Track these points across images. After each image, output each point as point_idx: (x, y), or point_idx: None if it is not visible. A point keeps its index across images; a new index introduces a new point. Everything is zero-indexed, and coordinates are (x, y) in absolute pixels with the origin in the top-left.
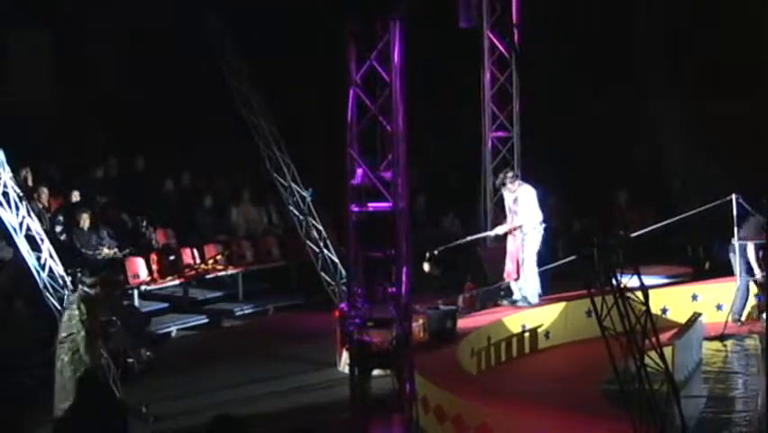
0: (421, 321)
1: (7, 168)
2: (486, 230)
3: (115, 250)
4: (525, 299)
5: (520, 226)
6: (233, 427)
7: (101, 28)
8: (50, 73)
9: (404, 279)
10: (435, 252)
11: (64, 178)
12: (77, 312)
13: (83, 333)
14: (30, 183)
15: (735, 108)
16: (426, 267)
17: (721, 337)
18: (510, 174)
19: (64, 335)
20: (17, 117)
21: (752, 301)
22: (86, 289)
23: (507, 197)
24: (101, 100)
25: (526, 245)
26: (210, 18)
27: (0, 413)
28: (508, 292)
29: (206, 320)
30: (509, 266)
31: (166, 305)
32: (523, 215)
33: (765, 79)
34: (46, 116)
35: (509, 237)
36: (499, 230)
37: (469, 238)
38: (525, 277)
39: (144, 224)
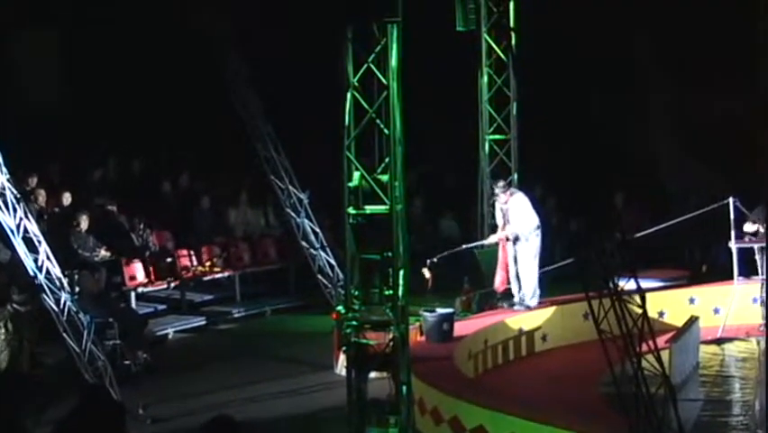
0: (418, 324)
1: (5, 169)
2: (483, 232)
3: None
4: (522, 302)
5: (515, 236)
6: (228, 428)
7: (103, 31)
8: (54, 75)
9: (401, 281)
10: (435, 259)
11: (62, 179)
12: (3, 331)
13: (6, 352)
14: (34, 186)
15: (730, 108)
16: (427, 273)
17: (718, 341)
18: (501, 184)
19: None
20: (20, 119)
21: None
22: (14, 305)
23: (500, 206)
24: (101, 102)
25: (524, 252)
26: (210, 23)
27: None
28: (506, 295)
29: (204, 322)
30: (501, 275)
31: (163, 307)
32: (516, 224)
33: (758, 78)
34: (48, 118)
35: (500, 248)
36: (492, 239)
37: (465, 247)
38: (523, 281)
39: (141, 226)
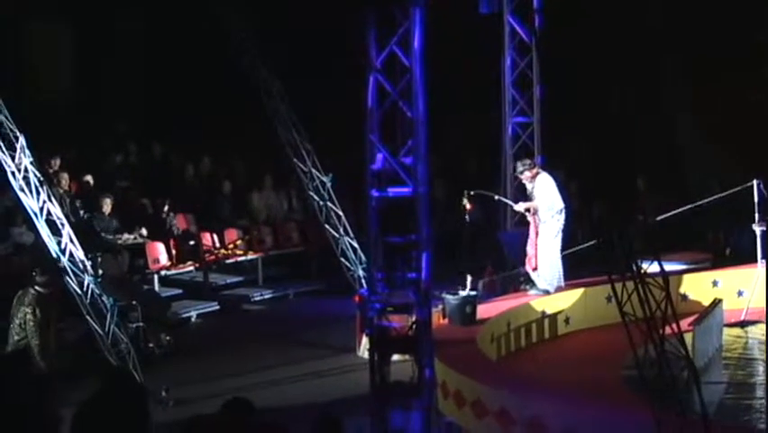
0: (441, 306)
1: (28, 152)
2: (506, 215)
3: (136, 235)
4: (538, 286)
5: (538, 213)
6: (244, 410)
7: (122, 16)
8: (72, 60)
9: (424, 264)
10: (472, 192)
11: (84, 162)
12: (31, 316)
13: (36, 339)
14: (56, 169)
15: (751, 93)
16: (466, 202)
17: (742, 324)
18: (528, 162)
19: (17, 338)
20: (40, 103)
21: None
22: (38, 288)
23: (527, 184)
24: (122, 87)
25: (543, 234)
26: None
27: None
28: (528, 278)
29: (226, 305)
30: (530, 252)
31: (186, 290)
32: (539, 204)
33: None
34: (68, 102)
35: (531, 223)
36: (521, 206)
37: (497, 197)
38: (542, 265)
39: (165, 209)
